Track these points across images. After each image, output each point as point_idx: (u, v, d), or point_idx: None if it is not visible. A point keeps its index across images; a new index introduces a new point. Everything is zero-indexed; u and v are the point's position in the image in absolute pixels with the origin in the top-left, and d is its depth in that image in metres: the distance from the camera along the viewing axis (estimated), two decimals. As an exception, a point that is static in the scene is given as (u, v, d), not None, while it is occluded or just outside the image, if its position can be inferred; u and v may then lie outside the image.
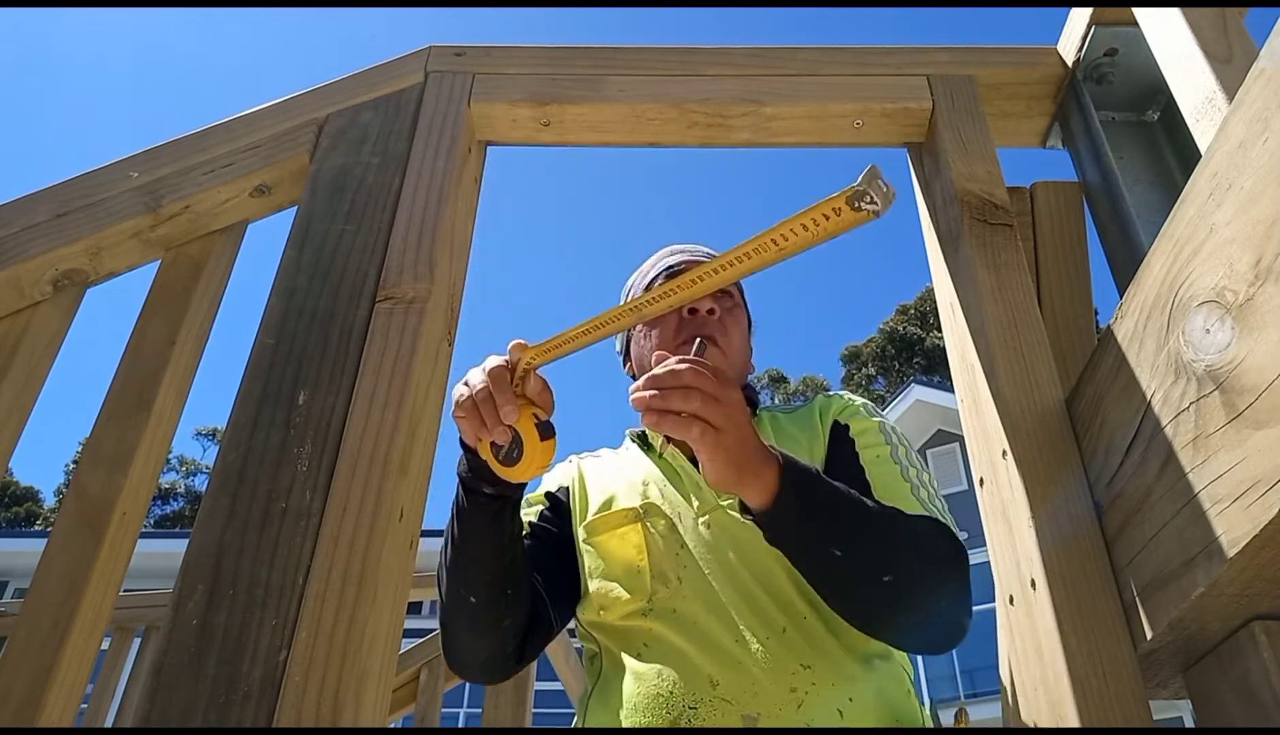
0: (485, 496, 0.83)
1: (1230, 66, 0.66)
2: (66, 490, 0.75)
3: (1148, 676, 0.55)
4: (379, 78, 0.91)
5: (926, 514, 0.83)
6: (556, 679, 2.54)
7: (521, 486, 0.82)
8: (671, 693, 0.81)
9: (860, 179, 0.50)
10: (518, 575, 0.88)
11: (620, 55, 0.93)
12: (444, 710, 2.34)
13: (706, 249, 1.14)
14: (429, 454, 0.74)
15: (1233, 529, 0.44)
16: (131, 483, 0.74)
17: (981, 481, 0.72)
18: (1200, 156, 0.53)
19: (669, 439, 0.87)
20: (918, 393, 13.46)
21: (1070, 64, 0.88)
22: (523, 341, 0.74)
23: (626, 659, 0.87)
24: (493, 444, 0.75)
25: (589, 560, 0.96)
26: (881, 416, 1.01)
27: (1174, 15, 0.72)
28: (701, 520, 0.93)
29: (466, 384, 0.76)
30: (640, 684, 0.84)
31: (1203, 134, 0.67)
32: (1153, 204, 0.79)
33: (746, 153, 0.96)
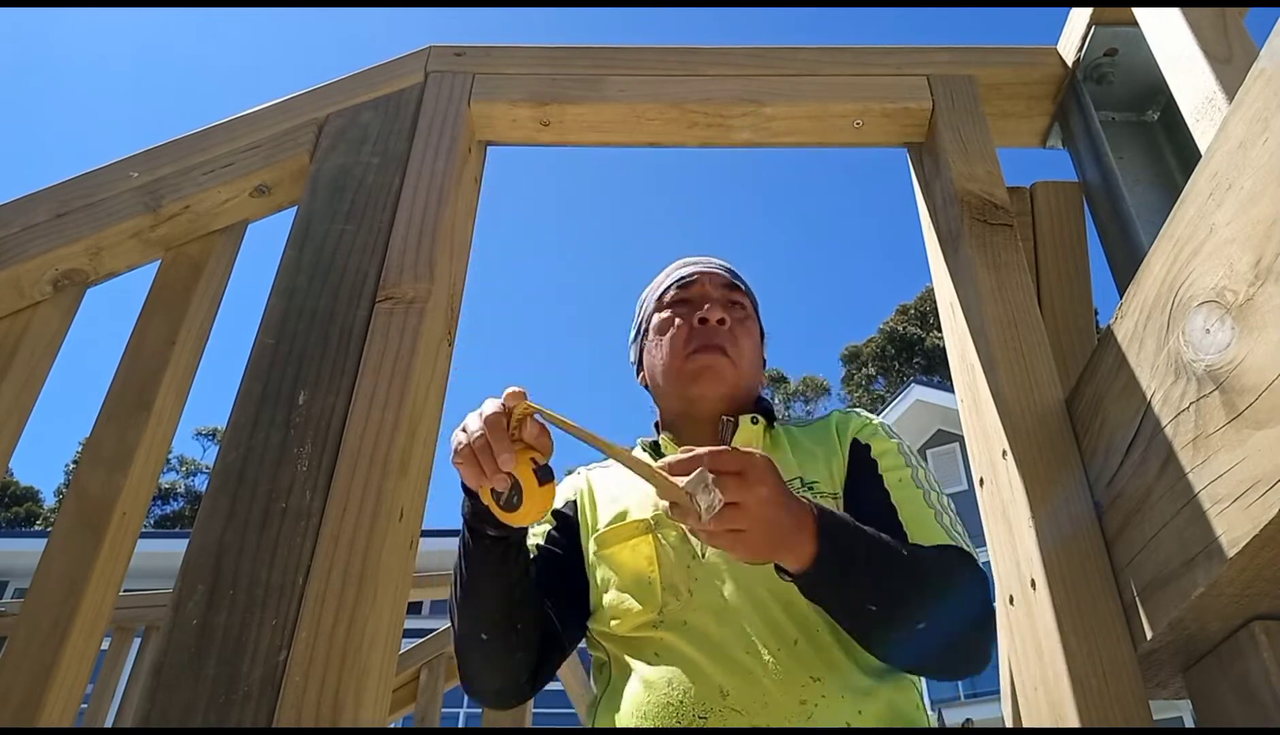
0: (489, 540, 0.84)
1: (1230, 66, 0.66)
2: (66, 490, 0.75)
3: (1148, 676, 0.55)
4: (379, 78, 0.91)
5: (951, 543, 0.84)
6: (557, 679, 2.54)
7: (525, 529, 0.83)
8: (682, 702, 0.81)
9: (688, 481, 0.65)
10: (527, 611, 0.89)
11: (620, 55, 0.93)
12: (444, 710, 2.34)
13: (719, 260, 1.14)
14: (429, 454, 0.74)
15: (1233, 529, 0.44)
16: (131, 483, 0.74)
17: (981, 481, 0.72)
18: (1200, 156, 0.53)
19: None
20: (918, 393, 13.46)
21: (1070, 64, 0.88)
22: (520, 390, 0.75)
23: (637, 668, 0.87)
24: (492, 490, 0.75)
25: (600, 572, 0.96)
26: (898, 437, 1.01)
27: (1174, 15, 0.72)
28: None
29: (464, 431, 0.76)
30: (650, 692, 0.84)
31: (1203, 134, 0.67)
32: (1153, 204, 0.79)
33: (746, 152, 0.96)
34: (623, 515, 0.97)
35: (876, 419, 1.04)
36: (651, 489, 1.00)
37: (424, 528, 0.73)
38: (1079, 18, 0.87)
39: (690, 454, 0.69)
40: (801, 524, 0.73)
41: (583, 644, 1.02)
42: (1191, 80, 0.69)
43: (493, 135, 0.93)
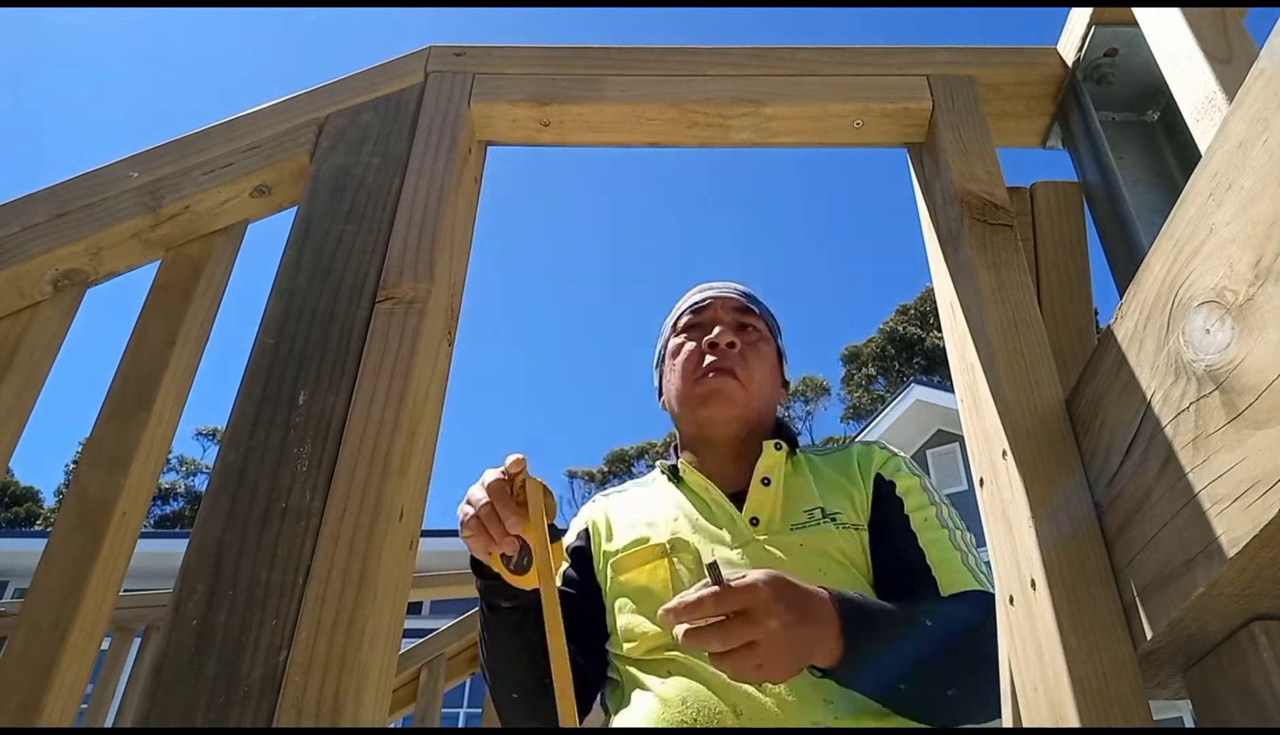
0: (505, 610, 0.85)
1: (1230, 66, 0.66)
2: (66, 490, 0.75)
3: (1148, 676, 0.55)
4: (379, 78, 0.91)
5: (978, 588, 0.85)
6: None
7: (538, 591, 0.84)
8: (695, 719, 0.82)
9: None
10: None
11: (620, 55, 0.93)
12: (444, 710, 2.34)
13: (737, 285, 1.16)
14: (429, 454, 0.74)
15: (1233, 529, 0.44)
16: (131, 483, 0.74)
17: (981, 481, 0.72)
18: (1200, 156, 0.53)
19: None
20: (918, 393, 13.45)
21: (1070, 64, 0.88)
22: (521, 457, 0.76)
23: (651, 686, 0.88)
24: (502, 555, 0.76)
25: (615, 595, 0.97)
26: (920, 473, 1.02)
27: (1174, 15, 0.72)
28: (735, 552, 0.94)
29: (469, 503, 0.78)
30: (665, 709, 0.85)
31: (1203, 134, 0.66)
32: (1153, 204, 0.79)
33: (747, 152, 0.96)
34: (641, 541, 0.98)
35: (899, 454, 1.05)
36: (669, 513, 1.02)
37: (424, 528, 0.73)
38: (1079, 18, 0.87)
39: (695, 599, 0.71)
40: (824, 630, 0.75)
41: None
42: (1191, 80, 0.69)
43: (493, 135, 0.93)
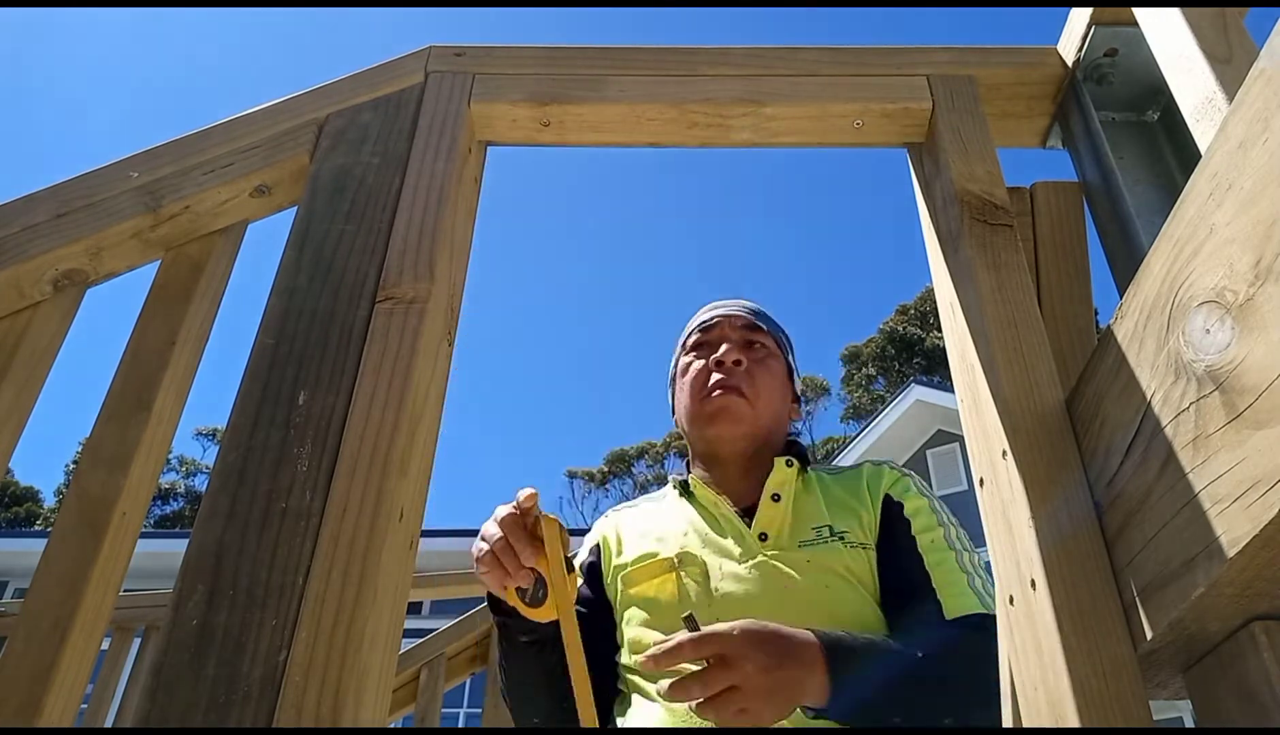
0: (524, 643, 0.87)
1: (1230, 66, 0.66)
2: (66, 490, 0.75)
3: (1148, 676, 0.55)
4: (379, 78, 0.91)
5: (982, 612, 0.85)
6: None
7: (555, 622, 0.85)
8: (703, 725, 0.82)
9: None
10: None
11: (620, 55, 0.93)
12: (444, 710, 2.34)
13: (747, 302, 1.17)
14: (429, 454, 0.74)
15: (1233, 529, 0.44)
16: (131, 483, 0.74)
17: (981, 481, 0.72)
18: (1200, 156, 0.53)
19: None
20: (918, 393, 13.45)
21: (1070, 64, 0.88)
22: (534, 491, 0.77)
23: (658, 693, 0.89)
24: (518, 588, 0.77)
25: (625, 607, 0.98)
26: (929, 493, 1.03)
27: (1174, 15, 0.72)
28: (743, 567, 0.95)
29: (483, 539, 0.79)
30: (671, 717, 0.85)
31: (1203, 134, 0.66)
32: (1153, 204, 0.79)
33: (747, 152, 0.96)
34: (651, 555, 1.00)
35: (909, 474, 1.06)
36: (679, 528, 1.03)
37: (424, 528, 0.74)
38: (1079, 18, 0.87)
39: (673, 645, 0.72)
40: (809, 672, 0.76)
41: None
42: (1191, 80, 0.69)
43: (493, 135, 0.93)
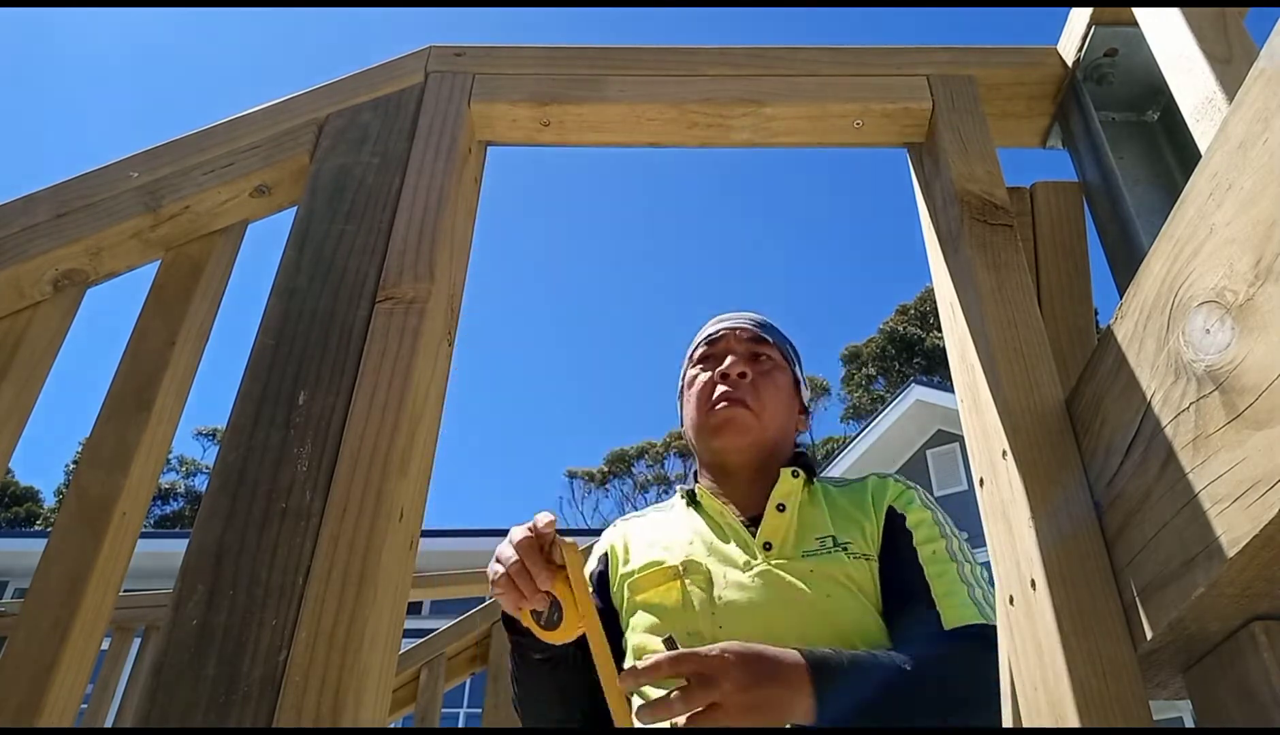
0: (537, 662, 0.88)
1: (1230, 66, 0.66)
2: (66, 490, 0.75)
3: (1148, 676, 0.55)
4: (379, 78, 0.91)
5: (980, 622, 0.86)
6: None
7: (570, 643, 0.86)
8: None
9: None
10: (584, 699, 0.95)
11: (620, 55, 0.93)
12: (444, 710, 2.34)
13: (753, 315, 1.18)
14: (429, 454, 0.74)
15: (1233, 529, 0.44)
16: (131, 483, 0.74)
17: (981, 481, 0.72)
18: (1200, 156, 0.53)
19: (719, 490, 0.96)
20: (918, 393, 13.45)
21: (1070, 64, 0.88)
22: (552, 517, 0.78)
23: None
24: (533, 611, 0.78)
25: (630, 614, 1.00)
26: (934, 506, 1.03)
27: (1174, 15, 0.72)
28: (746, 576, 0.96)
29: (498, 560, 0.80)
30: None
31: (1203, 134, 0.66)
32: (1153, 204, 0.79)
33: (746, 152, 0.96)
34: (656, 562, 1.01)
35: (913, 487, 1.07)
36: (684, 536, 1.04)
37: (424, 528, 0.74)
38: (1079, 18, 0.87)
39: (652, 662, 0.73)
40: (794, 691, 0.76)
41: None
42: (1191, 80, 0.69)
43: (493, 135, 0.93)
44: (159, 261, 0.85)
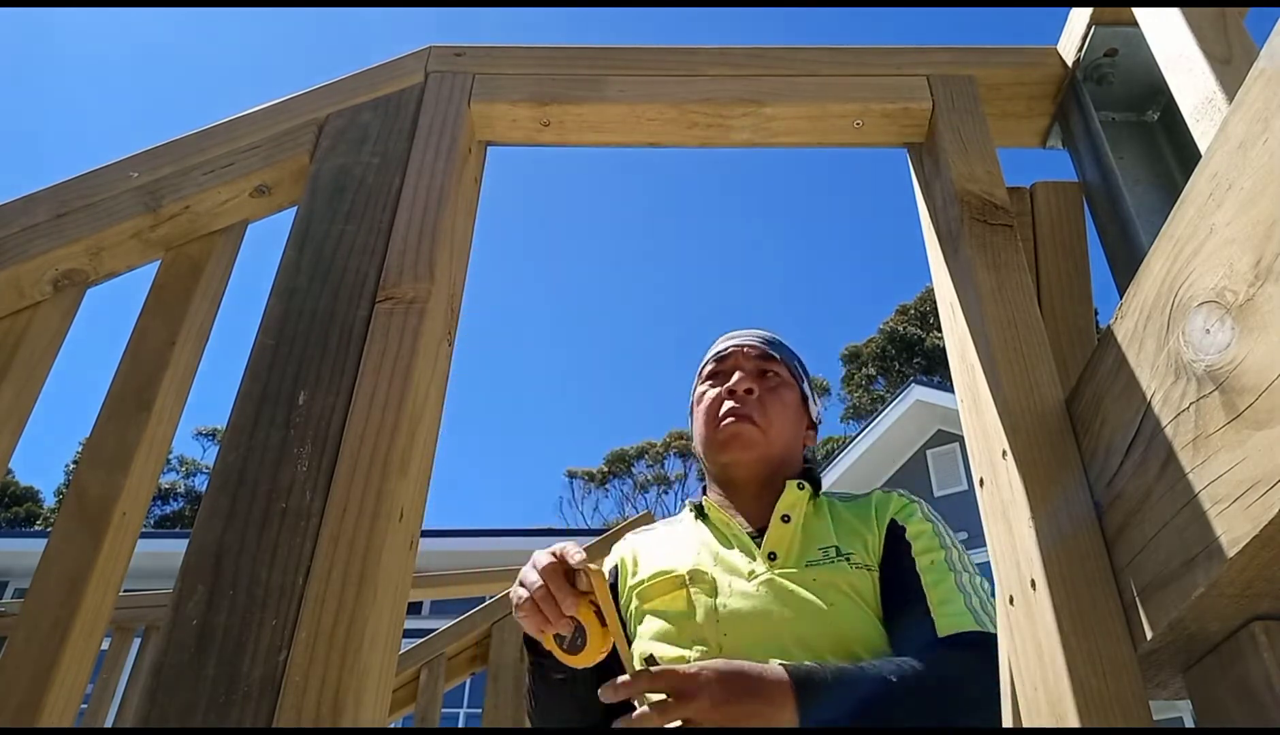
0: (557, 681, 0.89)
1: (1230, 66, 0.66)
2: (66, 490, 0.75)
3: (1148, 676, 0.55)
4: (379, 78, 0.91)
5: (975, 630, 0.86)
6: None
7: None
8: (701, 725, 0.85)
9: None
10: (602, 715, 0.95)
11: (620, 55, 0.93)
12: (444, 710, 2.34)
13: (761, 332, 1.21)
14: (429, 454, 0.74)
15: (1233, 529, 0.44)
16: (131, 483, 0.74)
17: (981, 481, 0.72)
18: (1200, 156, 0.53)
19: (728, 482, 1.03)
20: (918, 393, 13.45)
21: (1070, 64, 0.88)
22: (584, 553, 0.80)
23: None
24: (556, 635, 0.79)
25: (637, 622, 1.01)
26: (936, 518, 1.05)
27: (1174, 15, 0.72)
28: (752, 584, 0.97)
29: (522, 585, 0.81)
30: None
31: (1203, 134, 0.66)
32: (1153, 204, 0.79)
33: (746, 152, 0.96)
34: (664, 572, 1.03)
35: (916, 500, 1.09)
36: (691, 547, 1.07)
37: (424, 528, 0.74)
38: (1079, 18, 0.87)
39: (626, 678, 0.79)
40: (777, 706, 0.80)
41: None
42: (1191, 80, 0.69)
43: (493, 135, 0.93)
44: (159, 261, 0.85)
